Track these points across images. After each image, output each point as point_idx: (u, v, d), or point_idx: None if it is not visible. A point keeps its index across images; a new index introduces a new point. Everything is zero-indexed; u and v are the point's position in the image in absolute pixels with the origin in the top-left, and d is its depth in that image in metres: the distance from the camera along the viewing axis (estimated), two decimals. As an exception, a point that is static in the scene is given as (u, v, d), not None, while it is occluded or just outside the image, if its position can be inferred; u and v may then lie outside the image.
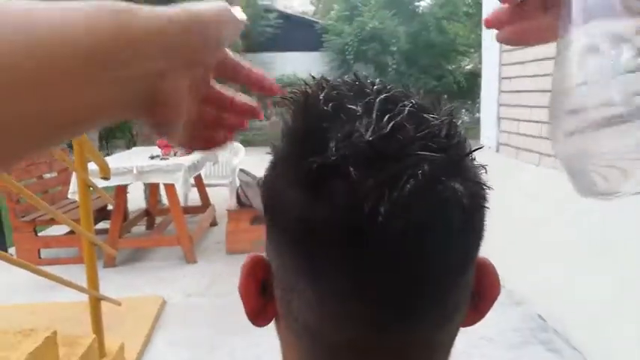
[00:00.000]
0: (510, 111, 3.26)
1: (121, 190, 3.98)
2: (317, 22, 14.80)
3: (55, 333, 1.66)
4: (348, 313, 0.33)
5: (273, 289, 0.38)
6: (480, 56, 13.14)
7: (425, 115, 0.33)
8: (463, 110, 14.07)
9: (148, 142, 5.52)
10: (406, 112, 0.32)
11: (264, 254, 0.40)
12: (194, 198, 4.75)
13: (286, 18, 14.33)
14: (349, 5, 14.11)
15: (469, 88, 13.52)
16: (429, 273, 0.33)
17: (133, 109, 0.30)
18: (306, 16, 16.04)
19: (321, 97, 0.34)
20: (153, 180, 3.96)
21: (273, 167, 0.37)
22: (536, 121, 3.03)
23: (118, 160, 4.21)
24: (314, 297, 0.34)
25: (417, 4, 15.10)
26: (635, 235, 2.11)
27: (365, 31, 13.11)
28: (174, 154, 4.08)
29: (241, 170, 4.34)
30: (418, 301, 0.33)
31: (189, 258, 3.92)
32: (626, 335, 2.07)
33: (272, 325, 0.40)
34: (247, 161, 5.45)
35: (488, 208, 0.34)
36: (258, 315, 0.39)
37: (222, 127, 0.41)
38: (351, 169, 0.30)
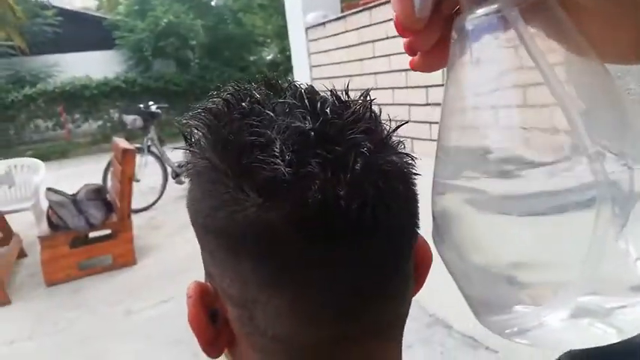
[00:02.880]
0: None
1: None
2: (104, 18, 13.61)
3: None
4: (323, 308, 0.33)
5: (226, 314, 0.36)
6: (277, 46, 13.64)
7: (347, 101, 0.34)
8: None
9: None
10: (331, 100, 0.34)
11: (203, 280, 0.38)
12: (-9, 230, 4.03)
13: (68, 15, 12.81)
14: (139, -1, 13.30)
15: (273, 77, 13.96)
16: (392, 242, 0.34)
17: None
18: (90, 12, 14.64)
19: (244, 104, 0.34)
20: None
21: (210, 182, 0.34)
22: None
23: None
24: (282, 303, 0.33)
25: (210, -4, 14.96)
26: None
27: (160, 26, 12.48)
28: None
29: (49, 189, 3.82)
30: (386, 272, 0.34)
31: (1, 299, 3.34)
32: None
33: None
34: (48, 178, 4.84)
35: (420, 174, 0.37)
36: (212, 345, 0.37)
37: None
38: (306, 161, 0.30)
